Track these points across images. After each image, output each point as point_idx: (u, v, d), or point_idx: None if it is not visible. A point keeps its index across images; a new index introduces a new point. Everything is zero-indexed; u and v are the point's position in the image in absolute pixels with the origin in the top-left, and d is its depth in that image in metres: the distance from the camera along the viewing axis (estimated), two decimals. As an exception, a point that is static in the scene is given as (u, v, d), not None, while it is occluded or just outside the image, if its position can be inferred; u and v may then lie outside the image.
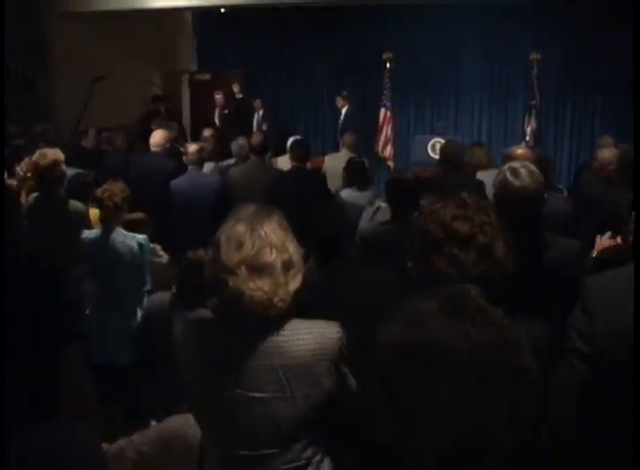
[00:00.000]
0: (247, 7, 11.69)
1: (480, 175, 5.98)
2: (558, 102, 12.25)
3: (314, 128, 13.98)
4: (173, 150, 8.05)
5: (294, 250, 2.09)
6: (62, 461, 1.78)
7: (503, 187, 3.15)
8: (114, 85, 10.30)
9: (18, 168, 6.20)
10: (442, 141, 8.65)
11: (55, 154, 5.11)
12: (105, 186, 4.76)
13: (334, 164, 7.86)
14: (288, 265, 2.05)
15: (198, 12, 13.79)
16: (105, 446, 3.06)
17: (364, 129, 11.69)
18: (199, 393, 2.15)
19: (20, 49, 10.60)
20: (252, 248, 2.02)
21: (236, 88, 13.08)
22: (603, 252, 3.70)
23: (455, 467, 1.12)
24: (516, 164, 3.22)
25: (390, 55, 12.12)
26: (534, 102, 11.35)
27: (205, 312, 3.81)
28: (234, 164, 7.38)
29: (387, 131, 12.17)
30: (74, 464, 1.80)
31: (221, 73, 13.78)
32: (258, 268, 2.01)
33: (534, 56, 11.28)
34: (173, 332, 2.24)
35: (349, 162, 7.07)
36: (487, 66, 12.61)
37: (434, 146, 10.15)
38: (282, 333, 2.06)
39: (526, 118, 11.48)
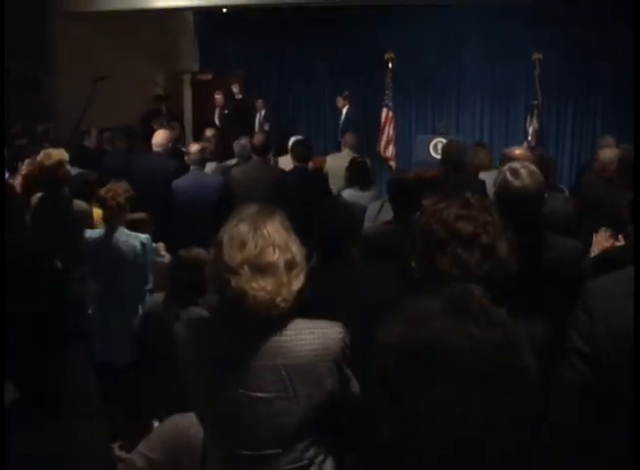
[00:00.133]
0: (248, 7, 11.69)
1: (482, 176, 5.98)
2: (560, 102, 12.24)
3: (316, 128, 13.97)
4: (175, 150, 8.05)
5: (296, 249, 2.10)
6: (68, 461, 1.79)
7: (503, 187, 3.15)
8: (115, 85, 10.30)
9: (21, 168, 6.22)
10: (444, 141, 8.66)
11: (60, 154, 5.12)
12: (108, 186, 4.77)
13: (336, 163, 7.86)
14: (290, 265, 2.06)
15: (200, 12, 13.79)
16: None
17: (366, 129, 11.69)
18: (201, 392, 2.16)
19: (22, 49, 10.61)
20: (255, 247, 2.02)
21: (235, 89, 13.09)
22: (604, 251, 3.71)
23: (456, 467, 1.12)
24: (516, 165, 3.22)
25: (392, 55, 12.12)
26: (536, 102, 11.35)
27: (198, 311, 3.83)
28: (236, 164, 7.38)
29: (388, 131, 12.17)
30: (81, 464, 1.81)
31: (223, 73, 13.78)
32: (261, 268, 2.01)
33: (536, 56, 11.28)
34: (176, 331, 2.24)
35: (352, 162, 7.07)
36: (489, 66, 12.61)
37: (435, 146, 10.16)
38: (285, 333, 2.06)
39: (528, 118, 11.48)
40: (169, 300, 4.08)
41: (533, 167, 3.23)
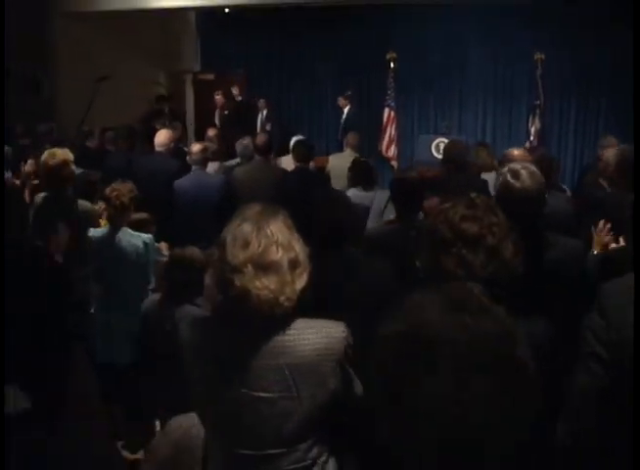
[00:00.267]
0: (250, 7, 11.70)
1: (484, 176, 5.98)
2: (562, 102, 12.24)
3: (318, 128, 13.97)
4: (178, 150, 8.05)
5: (300, 248, 2.10)
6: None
7: (504, 188, 3.15)
8: (117, 85, 10.31)
9: (24, 167, 6.22)
10: (446, 141, 8.66)
11: (64, 154, 5.12)
12: (113, 185, 4.77)
13: (338, 163, 7.86)
14: (294, 264, 2.06)
15: (201, 12, 13.81)
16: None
17: (368, 129, 11.70)
18: (204, 392, 2.15)
19: (23, 49, 10.62)
20: (259, 246, 2.02)
21: (235, 91, 13.09)
22: (606, 251, 3.70)
23: (454, 464, 1.12)
24: (516, 166, 3.22)
25: (394, 55, 12.12)
26: (538, 102, 11.35)
27: (193, 309, 3.83)
28: (238, 164, 7.38)
29: (391, 131, 12.17)
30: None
31: (225, 73, 13.80)
32: (265, 267, 2.01)
33: (538, 56, 11.27)
34: (179, 331, 2.24)
35: (355, 162, 7.07)
36: (492, 66, 12.61)
37: (437, 146, 10.14)
38: (288, 332, 2.05)
39: (531, 118, 11.47)
40: (164, 299, 4.09)
41: (534, 168, 3.23)
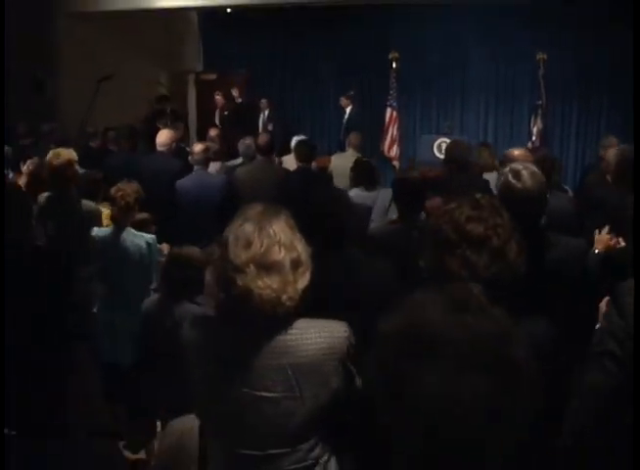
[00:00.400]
0: (253, 7, 11.70)
1: (486, 176, 5.99)
2: (564, 102, 12.22)
3: (320, 128, 13.97)
4: (179, 150, 8.06)
5: (302, 248, 2.10)
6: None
7: (505, 189, 3.15)
8: (120, 85, 10.31)
9: (26, 167, 6.22)
10: (448, 141, 8.66)
11: (69, 154, 5.13)
12: (119, 185, 4.78)
13: (340, 163, 7.87)
14: (296, 264, 2.06)
15: (204, 12, 13.80)
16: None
17: (370, 129, 11.69)
18: (205, 392, 2.15)
19: (26, 49, 10.62)
20: (261, 246, 2.02)
21: (235, 92, 13.06)
22: (607, 251, 3.70)
23: (452, 462, 1.12)
24: (518, 166, 3.22)
25: (397, 54, 12.11)
26: (540, 102, 11.33)
27: (193, 307, 3.84)
28: (240, 164, 7.39)
29: (393, 131, 12.16)
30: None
31: (227, 73, 13.79)
32: (267, 266, 2.01)
33: (541, 56, 11.27)
34: (181, 330, 2.24)
35: (357, 162, 7.08)
36: (493, 66, 12.59)
37: (439, 146, 10.14)
38: (290, 332, 2.06)
39: (533, 119, 11.46)
40: (164, 298, 4.10)
41: (535, 168, 3.23)
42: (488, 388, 1.09)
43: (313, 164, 7.11)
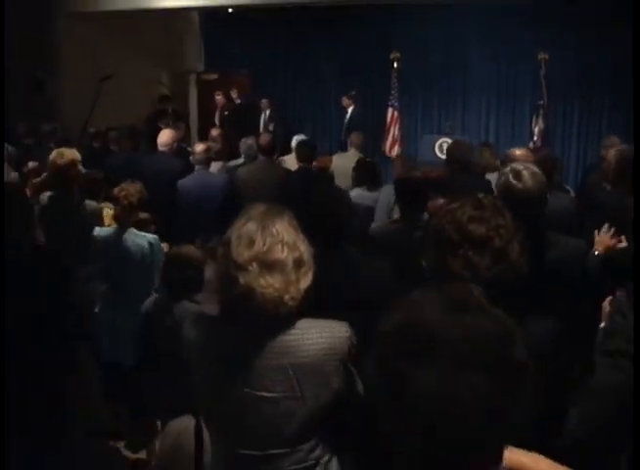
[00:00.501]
0: (254, 7, 11.70)
1: (488, 177, 5.98)
2: (566, 102, 12.22)
3: (322, 128, 13.98)
4: (181, 149, 8.06)
5: (304, 248, 2.10)
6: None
7: (505, 189, 3.15)
8: (121, 85, 10.32)
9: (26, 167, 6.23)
10: (450, 141, 8.65)
11: (72, 154, 5.13)
12: (122, 185, 4.78)
13: (342, 163, 7.87)
14: (299, 263, 2.06)
15: (205, 12, 13.80)
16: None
17: (372, 129, 11.69)
18: (206, 391, 2.15)
19: (26, 49, 10.63)
20: (264, 245, 2.02)
21: (234, 93, 13.05)
22: (608, 251, 3.70)
23: (450, 461, 1.12)
24: (518, 166, 3.22)
25: (398, 55, 12.10)
26: (542, 102, 11.33)
27: (192, 306, 3.84)
28: (242, 164, 7.39)
29: (394, 131, 12.15)
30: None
31: (228, 73, 13.80)
32: (269, 265, 2.01)
33: (542, 56, 11.26)
34: (182, 329, 2.24)
35: (360, 162, 7.07)
36: (495, 66, 12.60)
37: (441, 146, 10.14)
38: (292, 332, 2.05)
39: (534, 119, 11.46)
40: (163, 297, 4.11)
41: (535, 169, 3.23)
42: (487, 388, 1.09)
43: (314, 164, 7.10)
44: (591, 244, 3.74)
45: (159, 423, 4.29)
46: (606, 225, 3.79)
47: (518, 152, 5.32)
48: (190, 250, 4.06)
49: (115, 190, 4.78)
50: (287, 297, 2.01)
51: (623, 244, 3.70)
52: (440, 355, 1.10)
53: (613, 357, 2.19)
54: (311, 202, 3.43)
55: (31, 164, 6.42)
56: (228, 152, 8.49)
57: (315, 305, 2.08)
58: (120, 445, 4.51)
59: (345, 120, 11.89)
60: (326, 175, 7.41)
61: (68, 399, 3.62)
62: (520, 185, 3.10)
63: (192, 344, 2.18)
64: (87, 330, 4.54)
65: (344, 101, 12.02)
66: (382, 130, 12.24)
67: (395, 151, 12.12)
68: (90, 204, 5.26)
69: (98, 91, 9.33)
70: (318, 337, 2.06)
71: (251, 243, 2.03)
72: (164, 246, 5.22)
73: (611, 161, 5.08)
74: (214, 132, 8.95)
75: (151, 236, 4.77)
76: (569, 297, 3.11)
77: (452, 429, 1.08)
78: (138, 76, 11.95)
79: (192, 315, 2.34)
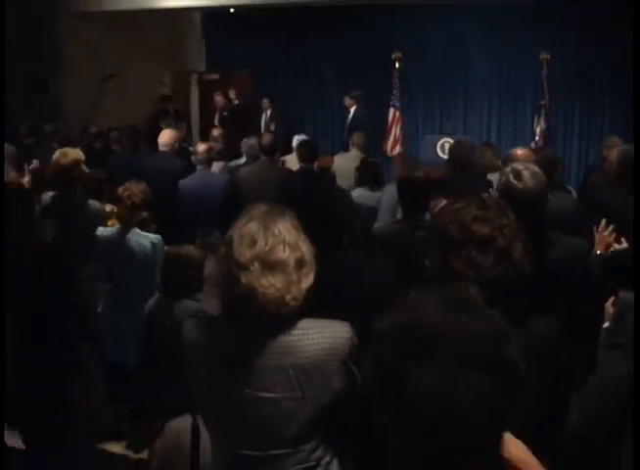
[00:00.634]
0: (255, 7, 11.70)
1: (490, 177, 5.98)
2: (567, 102, 12.21)
3: (323, 128, 13.98)
4: (182, 149, 8.07)
5: (306, 249, 2.10)
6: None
7: (506, 189, 3.15)
8: (123, 85, 10.32)
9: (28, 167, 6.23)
10: (451, 141, 8.65)
11: (76, 154, 5.13)
12: (126, 185, 4.79)
13: (344, 163, 7.87)
14: (300, 263, 2.06)
15: (207, 12, 13.81)
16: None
17: (373, 129, 11.68)
18: (207, 392, 2.15)
19: (29, 48, 10.63)
20: (266, 245, 2.02)
21: (232, 94, 13.03)
22: (609, 250, 3.70)
23: (448, 459, 1.12)
24: (519, 166, 3.22)
25: (399, 54, 12.08)
26: (544, 102, 11.31)
27: (192, 304, 3.85)
28: (244, 164, 7.39)
29: (395, 131, 12.13)
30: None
31: (230, 73, 13.79)
32: (271, 265, 2.01)
33: (544, 56, 11.25)
34: (183, 329, 2.24)
35: (363, 162, 7.08)
36: (496, 65, 12.59)
37: (442, 146, 10.13)
38: (293, 332, 2.05)
39: (536, 119, 11.44)
40: (163, 297, 4.11)
41: (536, 168, 3.23)
42: (485, 388, 1.09)
43: (315, 165, 7.10)
44: (593, 244, 3.74)
45: (160, 423, 4.30)
46: (603, 222, 3.79)
47: (519, 152, 5.32)
48: (189, 250, 4.07)
49: (119, 190, 4.78)
50: (288, 297, 2.01)
51: (624, 244, 3.71)
52: (438, 355, 1.10)
53: (620, 349, 2.20)
54: (313, 202, 3.43)
55: (34, 164, 6.42)
56: (227, 152, 8.48)
57: (317, 305, 2.08)
58: (122, 445, 4.52)
59: (348, 120, 11.88)
60: (327, 175, 7.41)
61: (71, 399, 3.62)
62: (520, 185, 3.10)
63: (193, 343, 2.18)
64: (89, 330, 4.54)
65: (347, 101, 12.01)
66: (383, 130, 12.23)
67: (397, 151, 12.10)
68: (94, 204, 5.26)
69: (100, 91, 9.33)
70: (319, 337, 2.06)
71: (253, 243, 2.03)
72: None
73: (613, 161, 5.09)
74: (216, 132, 8.96)
75: (154, 236, 4.76)
76: (570, 296, 3.11)
77: (452, 429, 1.09)
78: (140, 76, 11.95)
79: (192, 315, 2.34)
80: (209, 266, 3.98)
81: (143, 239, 4.71)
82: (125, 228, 4.73)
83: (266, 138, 7.14)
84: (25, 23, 10.48)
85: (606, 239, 3.73)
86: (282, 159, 8.35)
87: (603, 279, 3.47)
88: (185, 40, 14.19)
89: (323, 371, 2.04)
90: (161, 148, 6.92)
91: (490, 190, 4.34)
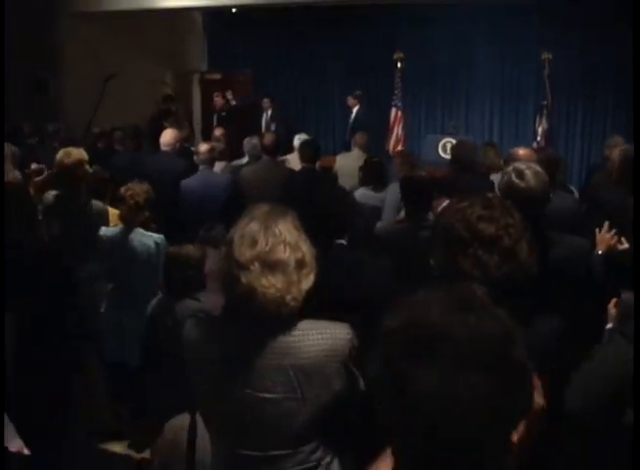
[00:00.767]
0: (257, 7, 11.69)
1: (492, 177, 5.98)
2: (570, 102, 12.20)
3: (325, 128, 13.98)
4: (185, 149, 8.07)
5: (307, 249, 2.10)
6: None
7: (508, 188, 3.15)
8: (124, 85, 10.33)
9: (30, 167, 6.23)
10: (453, 141, 8.64)
11: (80, 153, 5.13)
12: (129, 185, 4.79)
13: (346, 163, 7.87)
14: (301, 264, 2.06)
15: (208, 12, 13.81)
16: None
17: (375, 129, 11.67)
18: (207, 392, 2.15)
19: (30, 49, 10.64)
20: (266, 245, 2.03)
21: (229, 95, 13.03)
22: (610, 250, 3.70)
23: (451, 459, 1.12)
24: (521, 166, 3.22)
25: (402, 54, 12.07)
26: (546, 102, 11.30)
27: (193, 303, 3.85)
28: (246, 164, 7.39)
29: (398, 131, 12.12)
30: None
31: (232, 73, 13.79)
32: (271, 265, 2.01)
33: (546, 56, 11.25)
34: (183, 329, 2.24)
35: (367, 161, 7.07)
36: (498, 65, 12.58)
37: (444, 146, 10.12)
38: (293, 333, 2.05)
39: (538, 118, 11.43)
40: (165, 297, 4.11)
41: (538, 168, 3.23)
42: (489, 388, 1.09)
43: (318, 164, 7.09)
44: (594, 244, 3.74)
45: (161, 423, 4.30)
46: (606, 223, 3.79)
47: (521, 151, 5.32)
48: (188, 250, 4.07)
49: (122, 189, 4.78)
50: (288, 297, 2.01)
51: (625, 245, 3.71)
52: (444, 355, 1.10)
53: (626, 338, 2.22)
54: (315, 202, 3.43)
55: (35, 166, 6.42)
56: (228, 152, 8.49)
57: (318, 305, 2.08)
58: (124, 445, 4.52)
59: (350, 120, 11.87)
60: (330, 175, 7.41)
61: (72, 399, 3.63)
62: (522, 184, 3.10)
63: (193, 343, 2.18)
64: (89, 330, 4.54)
65: (350, 101, 12.00)
66: (385, 130, 12.23)
67: (399, 150, 12.11)
68: (97, 204, 5.27)
69: (102, 91, 9.33)
70: (319, 338, 2.06)
71: (254, 243, 2.03)
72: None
73: (615, 160, 5.09)
74: (217, 132, 8.97)
75: (157, 236, 4.76)
76: (572, 296, 3.11)
77: (454, 429, 1.08)
78: (142, 76, 11.96)
79: (193, 315, 2.34)
80: (211, 262, 3.99)
81: (147, 239, 4.71)
82: (128, 228, 4.73)
83: (268, 138, 7.14)
84: (26, 23, 10.49)
85: (608, 239, 3.73)
86: (283, 158, 8.34)
87: (605, 279, 3.47)
88: (187, 40, 14.19)
89: (323, 372, 2.04)
90: (163, 148, 6.93)
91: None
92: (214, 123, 12.45)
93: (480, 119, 12.93)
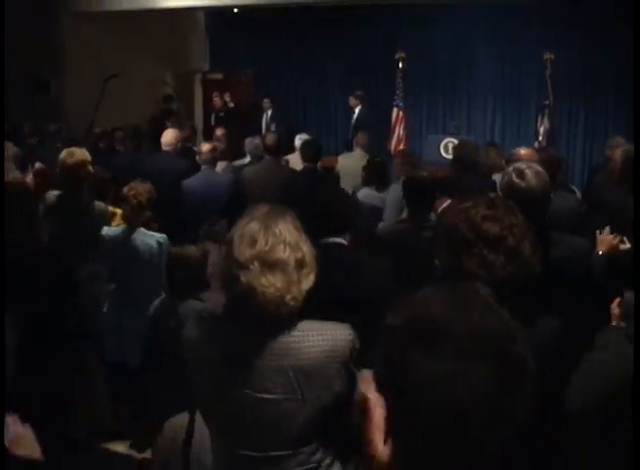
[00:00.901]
0: (259, 7, 11.70)
1: (494, 177, 5.98)
2: (571, 102, 12.21)
3: (326, 128, 13.98)
4: (186, 149, 8.07)
5: (307, 249, 2.09)
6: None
7: (509, 188, 3.14)
8: (126, 85, 10.33)
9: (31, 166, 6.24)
10: (455, 141, 8.64)
11: (82, 154, 5.13)
12: (131, 184, 4.79)
13: (348, 163, 7.87)
14: (301, 264, 2.05)
15: (210, 12, 13.83)
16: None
17: (377, 129, 11.67)
18: (207, 392, 2.15)
19: (32, 49, 10.65)
20: (266, 244, 2.02)
21: (227, 97, 13.01)
22: (611, 251, 3.70)
23: (453, 457, 1.12)
24: (522, 166, 3.21)
25: (403, 54, 12.07)
26: (547, 102, 11.30)
27: (197, 304, 3.85)
28: (248, 164, 7.39)
29: (399, 131, 12.12)
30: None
31: (233, 73, 13.81)
32: (271, 264, 2.01)
33: (548, 56, 11.24)
34: (184, 329, 2.24)
35: (370, 161, 7.07)
36: (500, 65, 12.60)
37: (446, 146, 10.13)
38: (293, 334, 2.04)
39: (539, 118, 11.43)
40: (168, 297, 4.11)
41: (539, 168, 3.22)
42: (493, 387, 1.08)
43: (319, 165, 7.09)
44: (595, 244, 3.74)
45: (161, 423, 4.30)
46: (608, 227, 3.79)
47: (522, 151, 5.32)
48: (190, 250, 4.07)
49: (125, 189, 4.78)
50: (288, 297, 2.01)
51: (627, 245, 3.70)
52: (447, 356, 1.09)
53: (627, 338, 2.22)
54: (316, 202, 3.43)
55: (37, 166, 6.43)
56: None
57: (319, 304, 2.08)
58: (126, 444, 4.51)
59: (352, 120, 11.87)
60: (331, 176, 7.41)
61: (73, 399, 3.62)
62: (523, 184, 3.09)
63: (193, 343, 2.18)
64: (90, 330, 4.54)
65: (352, 101, 11.99)
66: (387, 130, 12.23)
67: (400, 150, 12.10)
68: (98, 204, 5.26)
69: (103, 91, 9.33)
70: (319, 339, 2.05)
71: (254, 242, 2.03)
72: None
73: (617, 161, 5.09)
74: (219, 132, 8.97)
75: (159, 235, 4.76)
76: (573, 295, 3.11)
77: (454, 429, 1.08)
78: (143, 76, 11.97)
79: (194, 315, 2.34)
80: (214, 257, 4.00)
81: (149, 238, 4.70)
82: (131, 228, 4.73)
83: (270, 138, 7.14)
84: (26, 23, 10.49)
85: (609, 240, 3.73)
86: (284, 158, 8.34)
87: (606, 279, 3.47)
88: (188, 40, 14.21)
89: (323, 373, 2.04)
90: (164, 148, 6.93)
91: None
92: (212, 124, 12.49)
93: (482, 119, 12.93)
